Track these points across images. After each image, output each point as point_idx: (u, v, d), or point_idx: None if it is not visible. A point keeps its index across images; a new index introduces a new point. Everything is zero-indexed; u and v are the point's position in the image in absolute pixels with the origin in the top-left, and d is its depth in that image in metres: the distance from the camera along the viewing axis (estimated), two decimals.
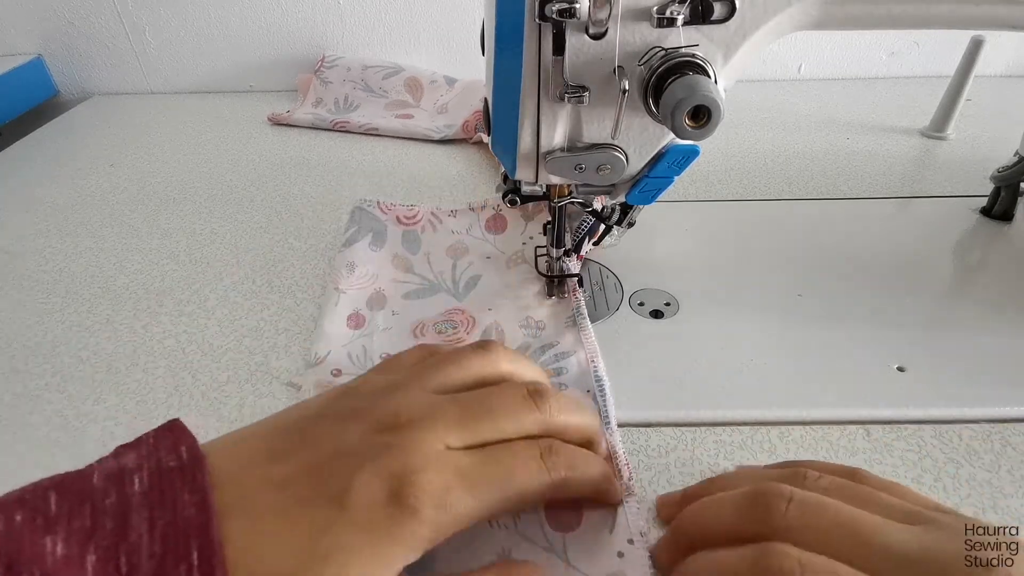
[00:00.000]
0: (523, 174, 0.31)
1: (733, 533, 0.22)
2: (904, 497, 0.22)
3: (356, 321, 0.37)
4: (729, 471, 0.28)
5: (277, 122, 0.67)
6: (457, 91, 0.69)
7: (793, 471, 0.24)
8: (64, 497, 0.19)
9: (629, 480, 0.27)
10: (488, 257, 0.42)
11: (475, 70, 0.70)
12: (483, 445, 0.23)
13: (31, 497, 0.19)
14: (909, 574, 0.19)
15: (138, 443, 0.21)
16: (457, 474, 0.22)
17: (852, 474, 0.24)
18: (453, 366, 0.26)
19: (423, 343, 0.33)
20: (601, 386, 0.32)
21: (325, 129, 0.66)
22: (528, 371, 0.28)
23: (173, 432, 0.22)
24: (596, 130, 0.29)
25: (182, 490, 0.20)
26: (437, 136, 0.62)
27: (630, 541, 0.25)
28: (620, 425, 0.30)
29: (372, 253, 0.42)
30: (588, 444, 0.26)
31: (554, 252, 0.38)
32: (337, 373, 0.34)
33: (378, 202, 0.46)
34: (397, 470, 0.21)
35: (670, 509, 0.26)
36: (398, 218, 0.45)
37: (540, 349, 0.35)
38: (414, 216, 0.45)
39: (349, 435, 0.22)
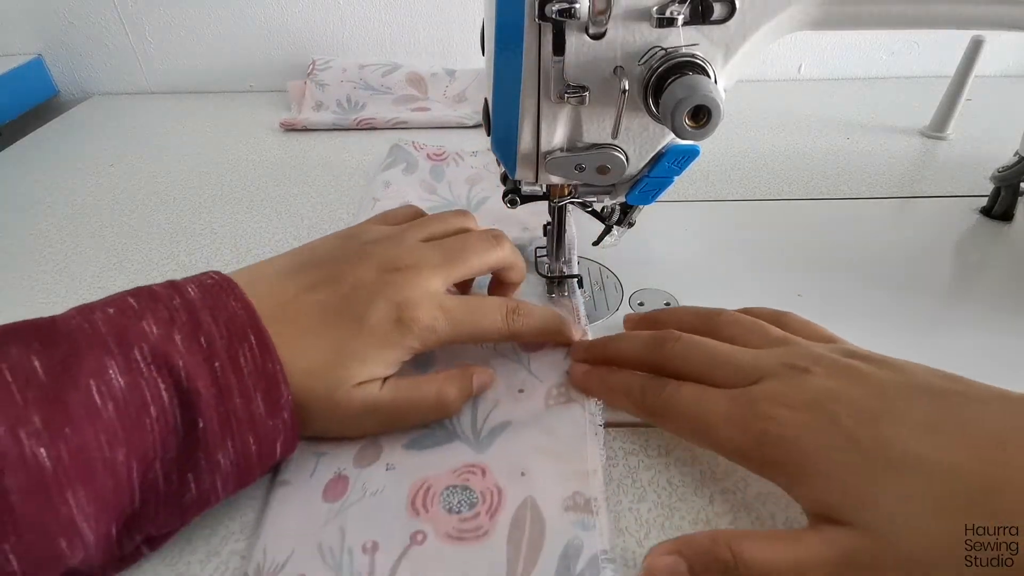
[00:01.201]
0: (523, 174, 0.31)
1: (635, 360, 0.30)
2: (799, 331, 0.29)
3: None
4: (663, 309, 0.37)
5: (291, 128, 0.66)
6: (469, 79, 0.70)
7: (710, 313, 0.31)
8: (140, 299, 0.24)
9: (584, 326, 0.35)
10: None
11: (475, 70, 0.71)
12: (464, 283, 0.33)
13: (113, 300, 0.24)
14: (741, 376, 0.26)
15: (172, 281, 0.26)
16: (442, 309, 0.29)
17: (779, 316, 0.31)
18: (437, 223, 0.34)
19: (411, 204, 0.39)
20: None
21: (344, 129, 0.66)
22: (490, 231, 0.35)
23: (199, 276, 0.27)
24: (596, 130, 0.29)
25: (228, 298, 0.26)
26: (471, 123, 0.66)
27: None
28: (620, 425, 0.30)
29: (404, 177, 0.52)
30: (519, 281, 0.35)
31: (554, 253, 0.38)
32: None
33: (412, 142, 0.56)
34: (401, 300, 0.28)
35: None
36: (428, 155, 0.55)
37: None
38: (442, 154, 0.55)
39: (363, 272, 0.29)
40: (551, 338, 0.33)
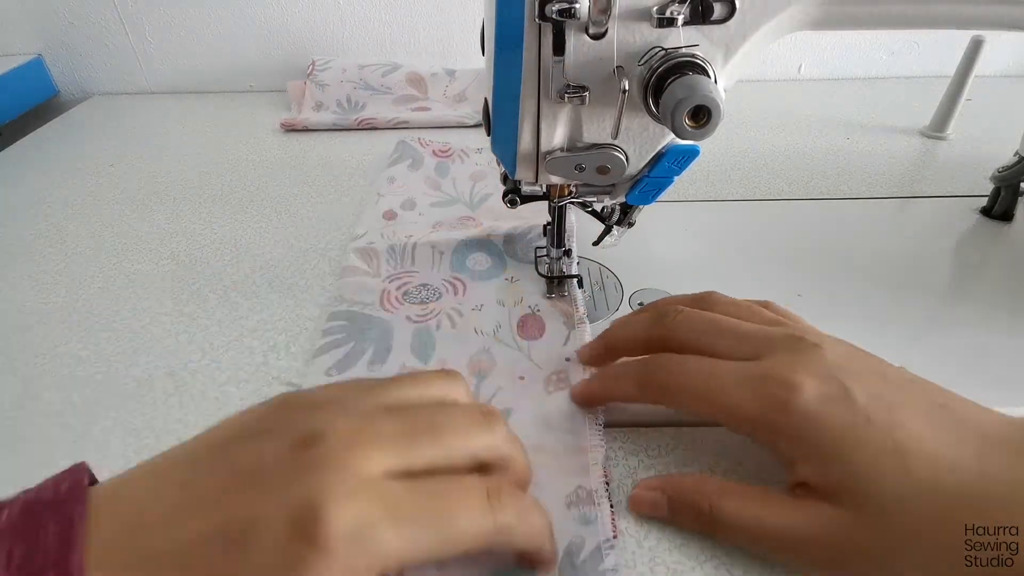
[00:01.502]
0: (523, 174, 0.31)
1: (638, 340, 0.29)
2: (787, 317, 0.29)
3: (389, 215, 0.48)
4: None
5: (291, 128, 0.66)
6: (469, 79, 0.70)
7: (703, 294, 0.31)
8: None
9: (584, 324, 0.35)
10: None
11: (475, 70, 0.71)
12: (426, 472, 0.21)
13: None
14: (747, 346, 0.26)
15: (39, 484, 0.19)
16: (383, 506, 0.19)
17: (764, 304, 0.30)
18: (409, 383, 0.24)
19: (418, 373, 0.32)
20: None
21: (345, 129, 0.66)
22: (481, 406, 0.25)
23: (70, 471, 0.20)
24: (596, 130, 0.29)
25: (48, 520, 0.18)
26: (471, 122, 0.66)
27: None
28: (620, 425, 0.30)
29: (410, 173, 0.54)
30: (520, 478, 0.25)
31: (554, 252, 0.38)
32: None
33: (419, 139, 0.58)
34: (309, 498, 0.18)
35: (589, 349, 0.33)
36: (434, 151, 0.57)
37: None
38: (447, 150, 0.57)
39: (264, 455, 0.19)
40: (536, 544, 0.23)
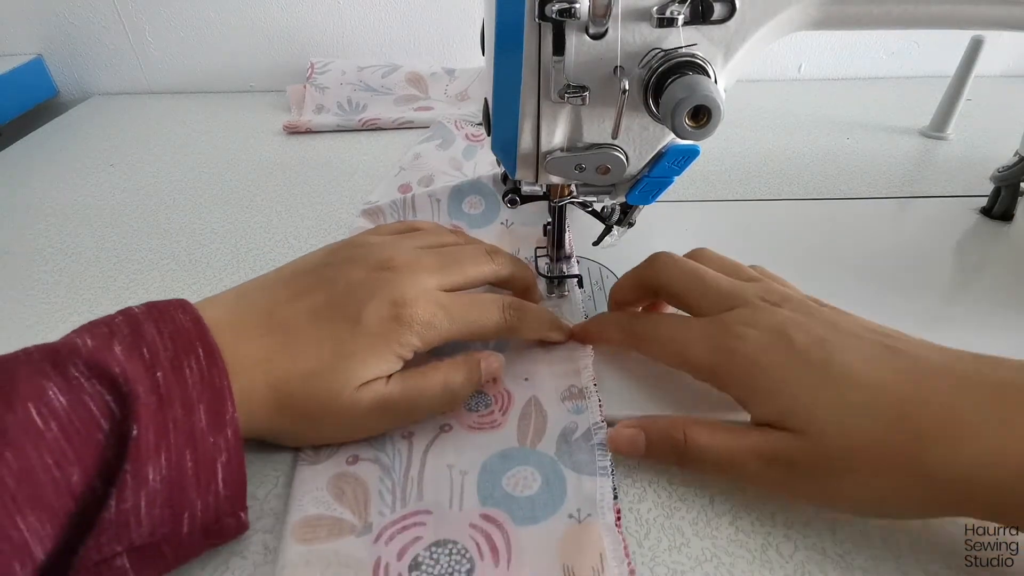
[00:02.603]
0: (523, 174, 0.31)
1: (632, 287, 0.33)
2: (770, 279, 0.31)
3: (404, 189, 0.50)
4: None
5: (295, 130, 0.66)
6: (470, 78, 0.70)
7: (696, 250, 0.33)
8: (79, 328, 0.24)
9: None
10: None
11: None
12: (457, 289, 0.31)
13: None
14: (722, 300, 0.29)
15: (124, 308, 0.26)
16: (439, 305, 0.29)
17: (755, 268, 0.32)
18: (431, 234, 0.34)
19: (405, 220, 0.41)
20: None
21: (348, 130, 0.66)
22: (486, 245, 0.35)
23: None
24: (596, 130, 0.29)
25: (176, 312, 0.25)
26: (476, 121, 0.65)
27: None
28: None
29: (437, 151, 0.56)
30: (528, 288, 0.35)
31: (554, 252, 0.38)
32: None
33: (456, 121, 0.60)
34: (398, 298, 0.28)
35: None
36: (467, 135, 0.58)
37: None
38: (479, 135, 0.59)
39: (354, 273, 0.29)
40: (546, 335, 0.33)
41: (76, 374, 0.22)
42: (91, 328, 0.24)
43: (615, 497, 0.26)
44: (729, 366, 0.27)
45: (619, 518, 0.26)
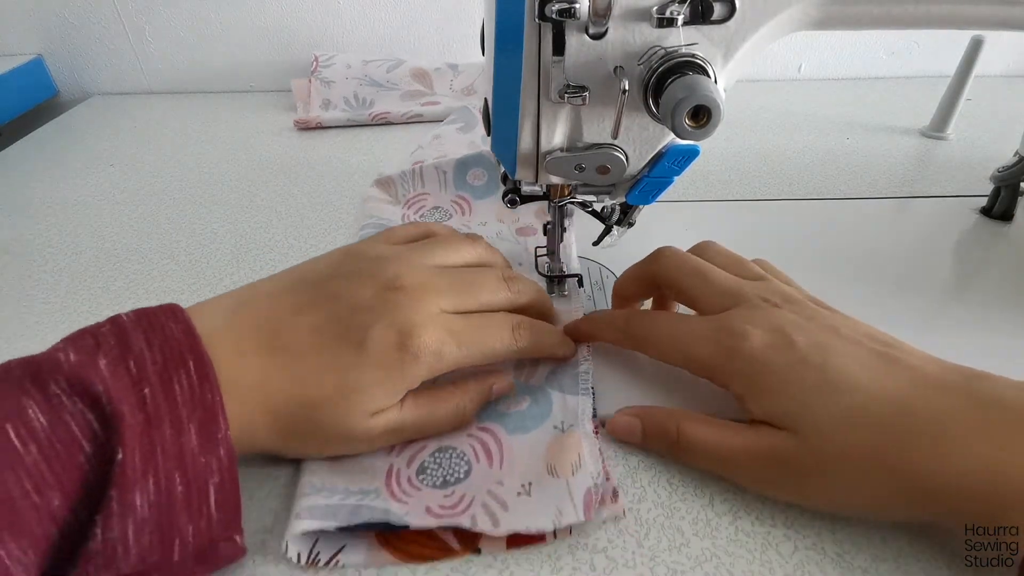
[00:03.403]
0: (523, 174, 0.31)
1: (635, 282, 0.33)
2: (775, 276, 0.31)
3: (417, 165, 0.50)
4: None
5: (305, 126, 0.66)
6: (474, 72, 0.70)
7: (701, 243, 0.33)
8: (65, 338, 0.23)
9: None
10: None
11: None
12: (467, 312, 0.29)
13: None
14: (725, 297, 0.29)
15: (113, 316, 0.25)
16: (449, 331, 0.27)
17: (759, 262, 0.33)
18: (446, 249, 0.32)
19: (418, 221, 0.41)
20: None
21: (354, 126, 0.66)
22: (500, 260, 0.35)
23: (158, 305, 0.25)
24: (596, 130, 0.29)
25: (167, 321, 0.24)
26: None
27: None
28: None
29: (456, 135, 0.57)
30: (546, 314, 0.34)
31: (553, 252, 0.38)
32: None
33: (479, 107, 0.56)
34: (404, 324, 0.26)
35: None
36: None
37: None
38: None
39: (361, 291, 0.27)
40: (553, 353, 0.32)
41: (57, 391, 0.21)
42: (77, 339, 0.23)
43: (595, 415, 0.30)
44: (731, 364, 0.27)
45: (596, 430, 0.29)
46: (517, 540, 0.25)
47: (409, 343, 0.26)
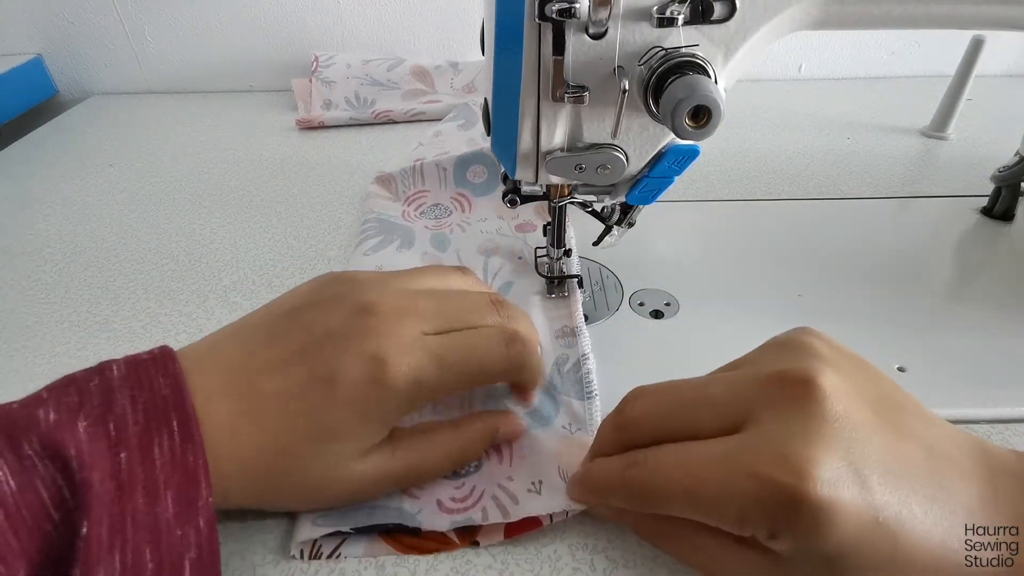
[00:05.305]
0: (523, 174, 0.31)
1: (610, 446, 0.25)
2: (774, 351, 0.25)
3: (417, 162, 0.50)
4: None
5: (307, 126, 0.66)
6: (474, 71, 0.70)
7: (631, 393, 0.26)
8: (55, 387, 0.22)
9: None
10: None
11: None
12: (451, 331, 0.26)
13: (33, 394, 0.22)
14: (730, 413, 0.21)
15: (106, 361, 0.23)
16: (428, 354, 0.24)
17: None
18: (431, 276, 0.29)
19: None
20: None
21: (356, 125, 0.66)
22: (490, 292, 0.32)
23: (153, 351, 0.24)
24: (596, 130, 0.29)
25: (157, 375, 0.22)
26: None
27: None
28: None
29: (457, 131, 0.55)
30: (531, 344, 0.30)
31: (554, 252, 0.38)
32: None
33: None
34: (376, 352, 0.23)
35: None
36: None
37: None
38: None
39: (334, 318, 0.25)
40: (539, 383, 0.30)
41: (30, 452, 0.19)
42: (61, 393, 0.21)
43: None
44: (786, 515, 0.19)
45: None
46: (514, 529, 0.26)
47: (382, 374, 0.23)
